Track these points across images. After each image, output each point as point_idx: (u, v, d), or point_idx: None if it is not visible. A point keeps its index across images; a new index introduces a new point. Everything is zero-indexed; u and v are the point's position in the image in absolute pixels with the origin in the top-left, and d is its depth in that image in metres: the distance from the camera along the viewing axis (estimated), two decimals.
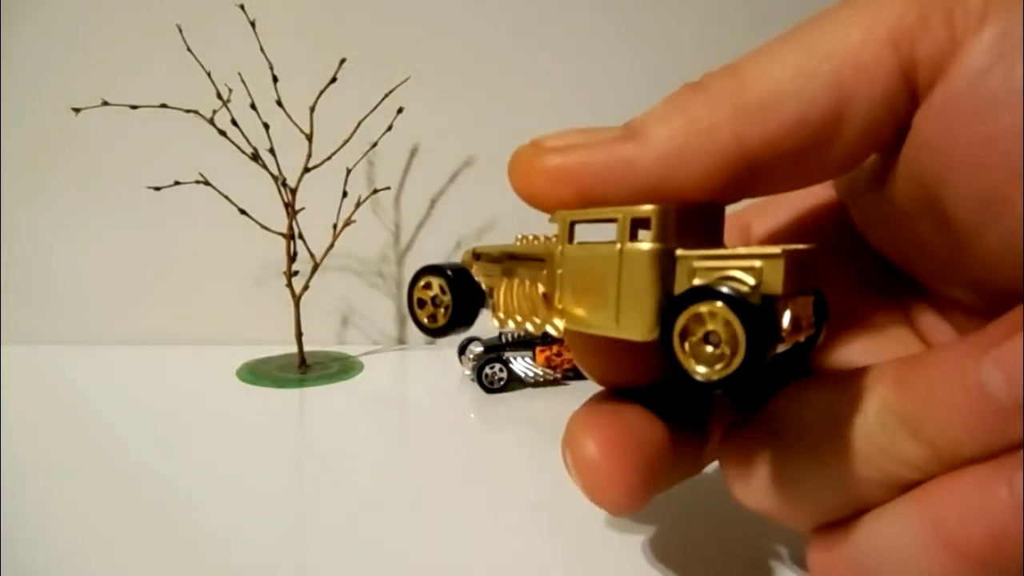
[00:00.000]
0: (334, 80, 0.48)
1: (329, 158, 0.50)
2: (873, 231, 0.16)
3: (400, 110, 0.51)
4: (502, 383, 0.46)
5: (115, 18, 0.55)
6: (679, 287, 0.13)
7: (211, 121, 0.48)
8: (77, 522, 0.29)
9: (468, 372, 0.47)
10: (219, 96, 0.48)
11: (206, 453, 0.36)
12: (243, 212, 0.49)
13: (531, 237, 0.17)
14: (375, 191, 0.53)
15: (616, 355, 0.16)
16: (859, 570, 0.14)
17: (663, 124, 0.14)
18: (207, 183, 0.49)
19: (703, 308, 0.12)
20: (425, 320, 0.18)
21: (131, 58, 0.55)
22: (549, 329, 0.15)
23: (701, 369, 0.13)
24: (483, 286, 0.17)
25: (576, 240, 0.15)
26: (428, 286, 0.18)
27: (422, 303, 0.18)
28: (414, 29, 0.57)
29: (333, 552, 0.27)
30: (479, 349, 0.47)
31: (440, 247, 0.59)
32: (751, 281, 0.12)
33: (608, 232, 0.14)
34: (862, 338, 0.16)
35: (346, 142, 0.50)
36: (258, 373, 0.49)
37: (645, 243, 0.14)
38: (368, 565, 0.26)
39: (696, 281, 0.13)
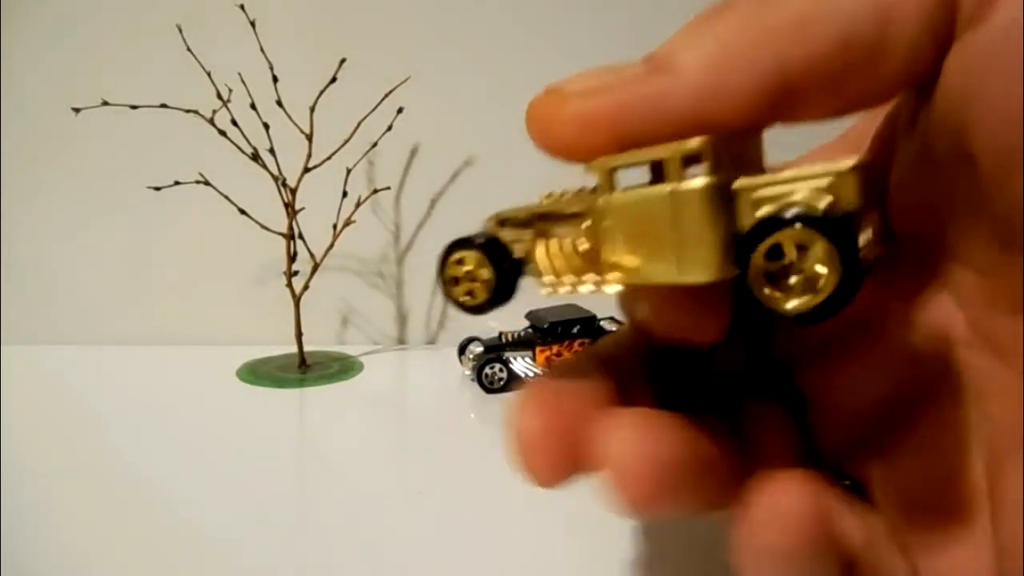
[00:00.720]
0: (334, 80, 0.48)
1: (329, 158, 0.50)
2: (896, 180, 0.15)
3: (400, 110, 0.51)
4: (502, 383, 0.46)
5: (115, 18, 0.55)
6: (743, 220, 0.12)
7: (211, 121, 0.48)
8: (77, 522, 0.29)
9: (468, 372, 0.47)
10: (219, 96, 0.48)
11: (206, 453, 0.36)
12: (243, 212, 0.49)
13: (558, 193, 0.16)
14: (375, 191, 0.53)
15: (675, 308, 0.15)
16: None
17: (692, 52, 0.13)
18: (207, 183, 0.49)
19: (782, 236, 0.12)
20: (463, 298, 0.16)
21: (131, 58, 0.55)
22: (606, 288, 0.14)
23: (791, 304, 0.12)
24: (516, 254, 0.16)
25: (619, 188, 0.14)
26: (461, 261, 0.16)
27: (456, 280, 0.16)
28: (414, 29, 0.57)
29: (333, 552, 0.27)
30: (479, 349, 0.47)
31: (440, 247, 0.58)
32: (824, 200, 0.12)
33: (645, 175, 0.14)
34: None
35: (346, 142, 0.50)
36: (258, 373, 0.49)
37: (699, 178, 0.12)
38: (368, 565, 0.26)
39: (762, 211, 0.12)
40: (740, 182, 0.12)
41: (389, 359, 0.55)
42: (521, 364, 0.46)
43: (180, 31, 0.48)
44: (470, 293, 0.16)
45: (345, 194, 0.52)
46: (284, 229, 0.50)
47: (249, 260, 0.58)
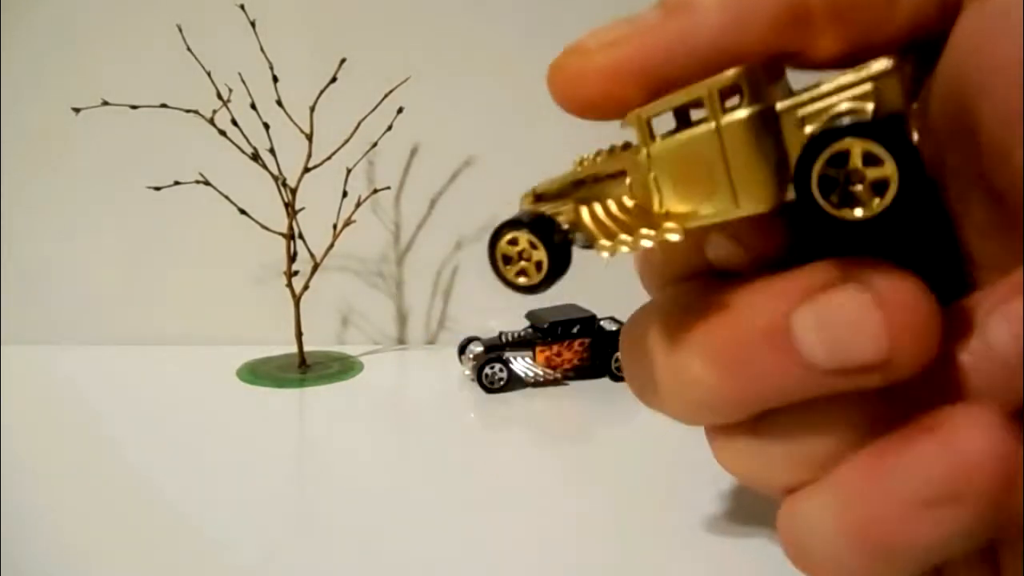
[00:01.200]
0: (334, 80, 0.48)
1: (329, 158, 0.50)
2: None
3: (400, 110, 0.51)
4: (502, 383, 0.46)
5: (115, 18, 0.55)
6: (792, 140, 0.12)
7: (211, 121, 0.48)
8: (77, 522, 0.29)
9: (468, 372, 0.47)
10: (219, 96, 0.48)
11: (206, 453, 0.36)
12: (243, 212, 0.49)
13: (591, 156, 0.15)
14: (375, 191, 0.53)
15: (740, 240, 0.15)
16: (793, 544, 0.14)
17: None
18: (207, 183, 0.49)
19: (838, 146, 0.12)
20: (519, 280, 0.16)
21: (131, 58, 0.55)
22: (668, 236, 0.13)
23: (860, 211, 0.12)
24: (564, 226, 0.15)
25: (658, 136, 0.14)
26: (514, 241, 0.16)
27: (508, 259, 0.16)
28: (414, 29, 0.57)
29: (333, 551, 0.27)
30: (479, 349, 0.47)
31: (440, 247, 0.59)
32: (870, 106, 0.12)
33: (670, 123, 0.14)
34: None
35: (346, 142, 0.50)
36: (258, 373, 0.49)
37: (741, 110, 0.12)
38: (368, 564, 0.26)
39: (810, 128, 0.12)
40: (781, 104, 0.12)
41: (389, 359, 0.55)
42: (521, 364, 0.46)
43: (180, 31, 0.48)
44: (524, 273, 0.16)
45: (345, 194, 0.52)
46: (284, 229, 0.50)
47: (249, 260, 0.58)
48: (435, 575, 0.26)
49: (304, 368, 0.50)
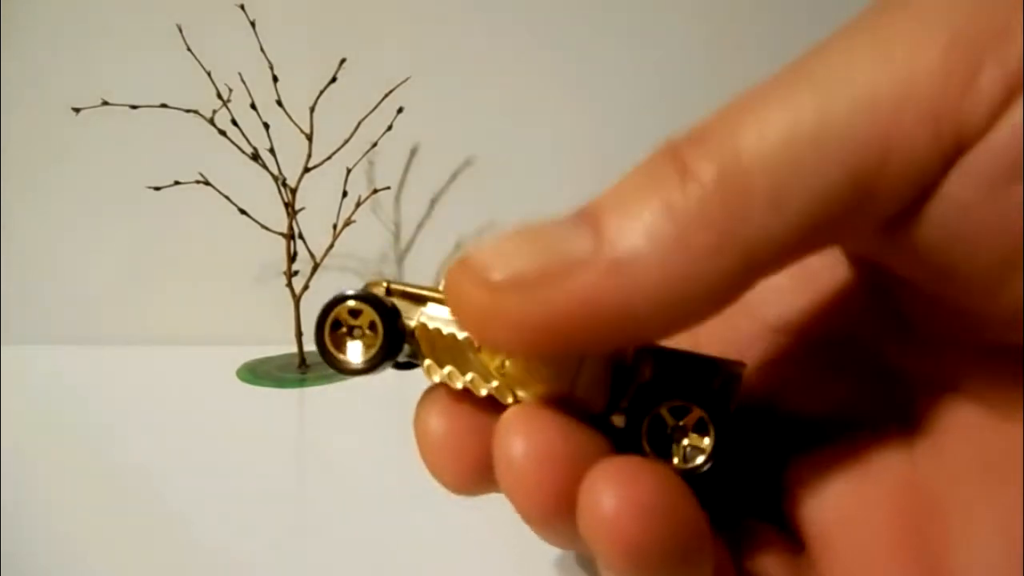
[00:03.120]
0: (334, 80, 0.48)
1: (329, 158, 0.50)
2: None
3: (400, 110, 0.51)
4: None
5: (115, 18, 0.55)
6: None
7: (211, 121, 0.48)
8: (77, 522, 0.29)
9: None
10: (219, 96, 0.48)
11: (206, 453, 0.36)
12: (243, 212, 0.49)
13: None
14: (375, 191, 0.53)
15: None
16: None
17: (649, 241, 0.10)
18: (207, 183, 0.48)
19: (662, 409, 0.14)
20: (354, 358, 0.15)
21: (131, 58, 0.55)
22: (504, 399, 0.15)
23: (699, 460, 0.14)
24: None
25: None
26: (356, 313, 0.15)
27: (338, 325, 0.16)
28: (414, 29, 0.57)
29: (333, 552, 0.27)
30: None
31: (440, 247, 0.59)
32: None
33: None
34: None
35: (346, 142, 0.50)
36: (258, 373, 0.49)
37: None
38: (368, 565, 0.26)
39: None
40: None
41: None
42: None
43: (180, 31, 0.48)
44: (354, 341, 0.15)
45: (345, 194, 0.52)
46: (284, 229, 0.50)
47: (249, 260, 0.58)
48: (435, 575, 0.26)
49: (304, 368, 0.50)
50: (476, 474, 0.15)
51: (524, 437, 0.13)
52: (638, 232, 0.10)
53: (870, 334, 0.15)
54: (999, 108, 0.10)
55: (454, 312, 0.13)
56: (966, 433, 0.13)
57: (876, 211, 0.11)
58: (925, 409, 0.14)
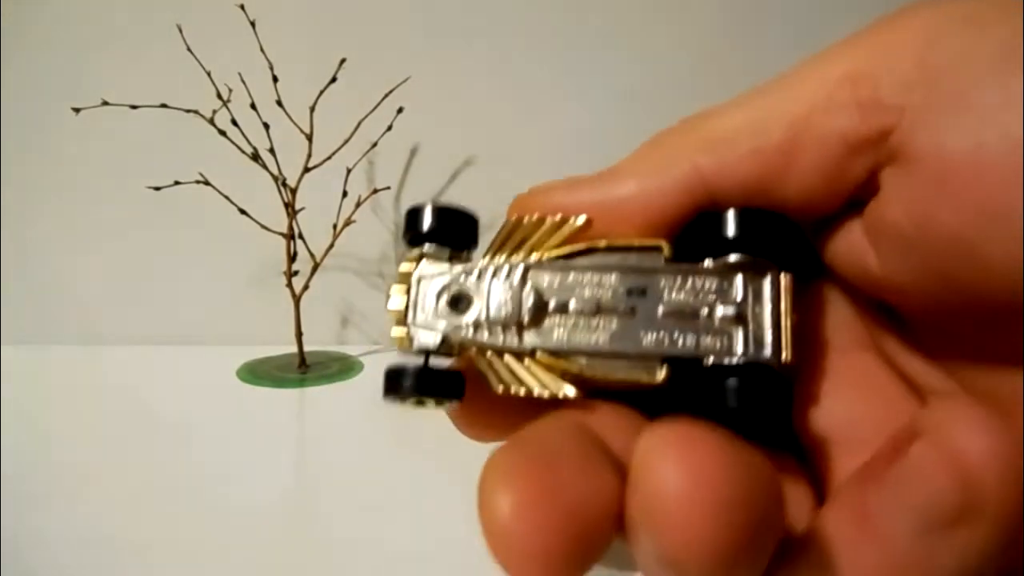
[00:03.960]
0: (334, 80, 0.48)
1: (329, 158, 0.49)
2: (861, 268, 0.14)
3: (400, 110, 0.51)
4: None
5: (115, 18, 0.55)
6: None
7: (211, 121, 0.48)
8: (77, 521, 0.29)
9: None
10: (219, 96, 0.48)
11: (206, 453, 0.36)
12: (243, 212, 0.49)
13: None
14: (375, 191, 0.53)
15: None
16: None
17: (635, 163, 0.15)
18: (207, 183, 0.48)
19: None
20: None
21: (131, 58, 0.55)
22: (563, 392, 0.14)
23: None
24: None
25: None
26: (421, 402, 0.17)
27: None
28: (414, 29, 0.57)
29: (333, 552, 0.27)
30: None
31: None
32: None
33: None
34: (845, 389, 0.15)
35: (346, 142, 0.50)
36: (258, 373, 0.49)
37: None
38: (368, 564, 0.26)
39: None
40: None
41: (389, 359, 0.55)
42: None
43: (180, 31, 0.48)
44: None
45: (345, 194, 0.52)
46: (284, 229, 0.50)
47: (249, 260, 0.58)
48: (435, 574, 0.26)
49: (304, 368, 0.50)
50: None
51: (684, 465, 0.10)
52: (630, 158, 0.15)
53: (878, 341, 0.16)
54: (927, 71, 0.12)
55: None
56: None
57: (811, 164, 0.13)
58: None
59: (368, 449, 0.38)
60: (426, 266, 0.15)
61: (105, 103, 0.47)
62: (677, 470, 0.10)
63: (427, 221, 0.15)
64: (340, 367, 0.51)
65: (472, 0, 0.57)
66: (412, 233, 0.15)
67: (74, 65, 0.55)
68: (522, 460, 0.12)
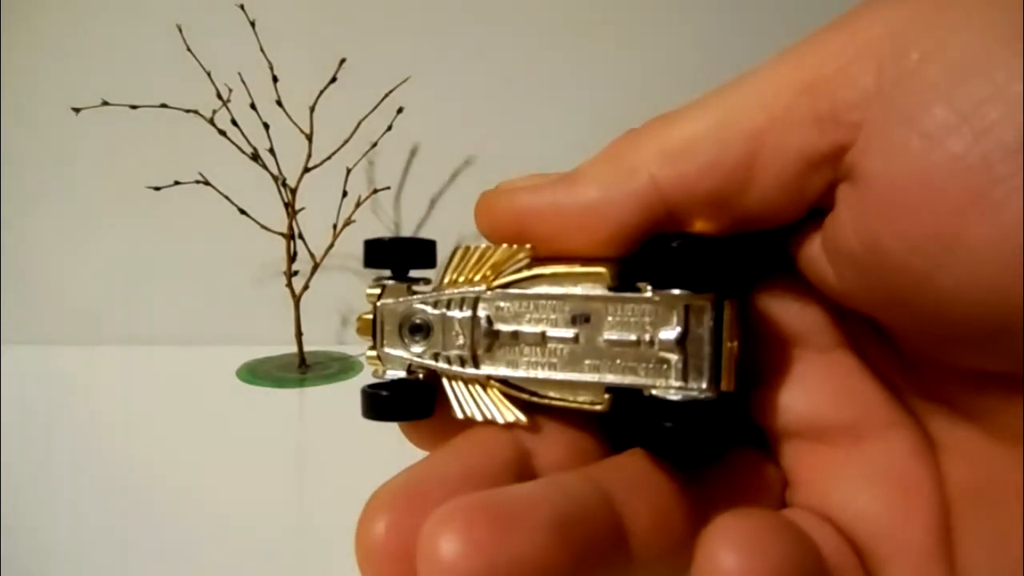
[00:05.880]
0: (334, 80, 0.48)
1: (329, 158, 0.50)
2: (825, 283, 0.15)
3: (400, 110, 0.51)
4: None
5: (115, 18, 0.55)
6: None
7: (211, 121, 0.48)
8: (77, 521, 0.29)
9: None
10: (219, 96, 0.48)
11: (206, 453, 0.36)
12: (243, 212, 0.49)
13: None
14: (375, 191, 0.53)
15: None
16: None
17: (598, 166, 0.15)
18: (207, 183, 0.49)
19: None
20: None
21: (131, 58, 0.55)
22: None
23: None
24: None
25: None
26: None
27: None
28: (414, 29, 0.57)
29: (332, 552, 0.27)
30: None
31: (440, 247, 0.58)
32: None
33: None
34: (813, 386, 0.15)
35: (346, 142, 0.50)
36: (258, 373, 0.49)
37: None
38: None
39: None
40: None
41: None
42: None
43: (180, 31, 0.48)
44: None
45: (345, 194, 0.52)
46: (284, 229, 0.50)
47: (249, 260, 0.58)
48: None
49: (304, 368, 0.50)
50: None
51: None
52: (590, 162, 0.15)
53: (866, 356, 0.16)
54: (882, 82, 0.12)
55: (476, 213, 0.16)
56: (962, 454, 0.14)
57: (771, 177, 0.13)
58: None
59: (368, 449, 0.38)
60: (388, 295, 0.16)
61: (105, 103, 0.47)
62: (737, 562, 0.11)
63: (385, 254, 0.16)
64: (340, 367, 0.51)
65: (472, 0, 0.57)
66: (371, 266, 0.16)
67: (74, 65, 0.55)
68: (408, 485, 0.14)
